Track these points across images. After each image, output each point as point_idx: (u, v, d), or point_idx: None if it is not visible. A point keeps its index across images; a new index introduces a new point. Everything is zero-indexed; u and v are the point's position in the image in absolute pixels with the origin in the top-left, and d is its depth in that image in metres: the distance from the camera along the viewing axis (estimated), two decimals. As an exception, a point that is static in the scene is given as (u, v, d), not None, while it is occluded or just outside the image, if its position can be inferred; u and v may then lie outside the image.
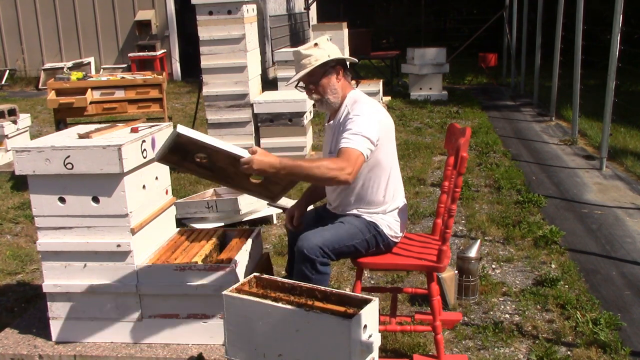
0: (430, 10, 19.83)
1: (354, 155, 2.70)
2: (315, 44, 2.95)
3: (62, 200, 2.94)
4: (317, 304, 2.35)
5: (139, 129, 3.15)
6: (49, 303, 3.12)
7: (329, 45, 2.97)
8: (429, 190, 5.71)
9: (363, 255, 2.95)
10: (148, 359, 3.00)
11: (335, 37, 8.55)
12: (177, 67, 13.75)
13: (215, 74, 6.22)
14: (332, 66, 2.94)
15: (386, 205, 2.97)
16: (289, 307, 2.30)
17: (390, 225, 2.96)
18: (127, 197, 2.91)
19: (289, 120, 6.27)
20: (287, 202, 4.30)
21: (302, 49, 2.97)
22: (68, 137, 3.09)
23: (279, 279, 2.57)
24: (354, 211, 2.97)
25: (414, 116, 9.22)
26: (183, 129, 2.56)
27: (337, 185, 2.88)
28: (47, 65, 13.48)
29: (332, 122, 3.00)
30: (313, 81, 2.95)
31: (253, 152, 2.62)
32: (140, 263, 3.01)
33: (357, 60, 3.05)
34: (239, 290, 2.48)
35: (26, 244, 4.74)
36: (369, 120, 2.82)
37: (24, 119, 7.17)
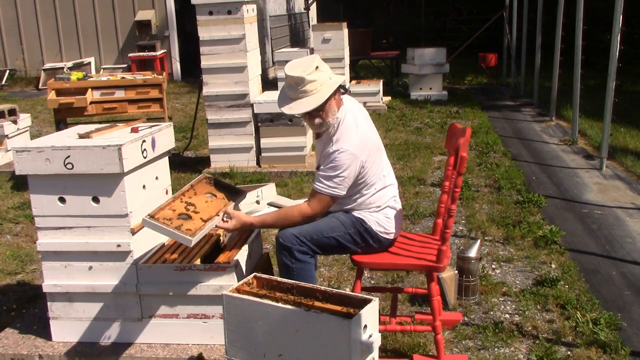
0: (430, 10, 19.84)
1: (323, 201, 2.86)
2: (317, 67, 2.79)
3: (62, 200, 2.95)
4: (317, 303, 2.35)
5: (139, 129, 3.15)
6: (49, 303, 3.12)
7: (324, 64, 2.84)
8: (429, 190, 5.70)
9: (353, 250, 2.96)
10: (148, 359, 3.01)
11: (335, 37, 8.55)
12: (177, 67, 13.75)
13: (215, 74, 6.22)
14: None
15: (374, 206, 2.97)
16: (288, 307, 2.30)
17: (379, 222, 2.95)
18: (127, 197, 2.91)
19: (289, 121, 6.27)
20: (286, 201, 4.29)
21: (305, 74, 2.75)
22: (68, 137, 3.10)
23: (279, 278, 2.57)
24: (343, 209, 3.00)
25: (414, 116, 9.21)
26: (194, 239, 2.78)
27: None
28: (47, 65, 13.47)
29: (323, 137, 2.98)
30: (319, 107, 2.81)
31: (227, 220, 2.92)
32: (140, 263, 3.01)
33: (345, 81, 2.96)
34: (238, 290, 2.48)
35: (26, 244, 4.74)
36: (352, 154, 2.79)
37: (24, 119, 7.17)
